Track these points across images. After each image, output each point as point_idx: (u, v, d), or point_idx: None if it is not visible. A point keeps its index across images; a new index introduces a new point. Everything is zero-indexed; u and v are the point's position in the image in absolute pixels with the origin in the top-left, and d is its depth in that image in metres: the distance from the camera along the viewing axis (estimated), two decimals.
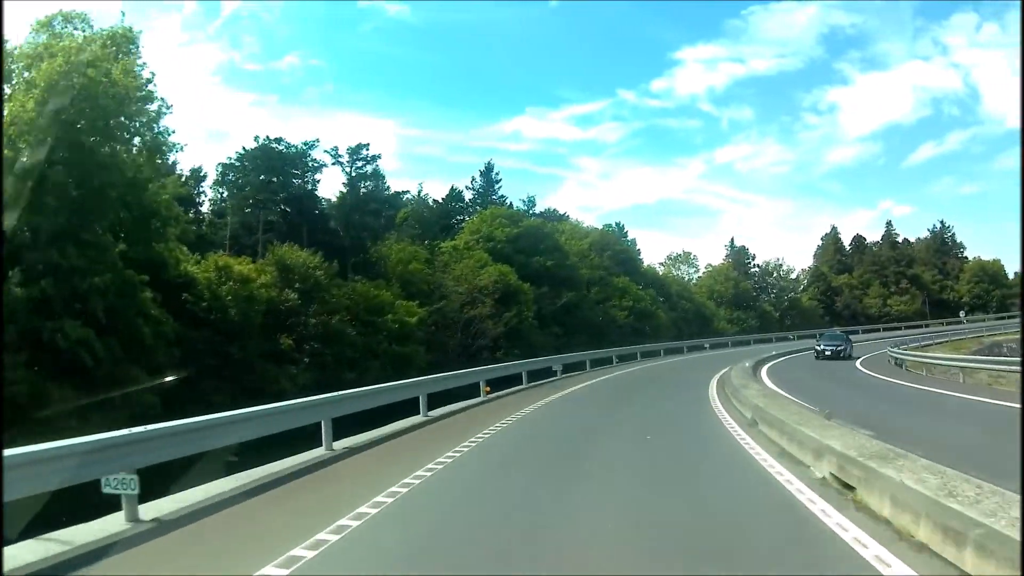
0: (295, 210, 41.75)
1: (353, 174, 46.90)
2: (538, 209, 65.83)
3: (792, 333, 69.10)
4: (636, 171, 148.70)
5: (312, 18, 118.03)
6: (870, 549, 5.35)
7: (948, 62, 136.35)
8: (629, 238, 74.27)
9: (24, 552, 5.75)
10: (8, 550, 5.58)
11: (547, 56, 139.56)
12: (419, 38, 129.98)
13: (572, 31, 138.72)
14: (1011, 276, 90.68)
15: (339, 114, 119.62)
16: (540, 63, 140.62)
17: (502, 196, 62.95)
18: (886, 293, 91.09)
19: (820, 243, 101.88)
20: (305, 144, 44.01)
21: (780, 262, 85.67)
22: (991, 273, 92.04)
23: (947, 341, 46.39)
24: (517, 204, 63.55)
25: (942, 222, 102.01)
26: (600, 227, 69.78)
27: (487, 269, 41.80)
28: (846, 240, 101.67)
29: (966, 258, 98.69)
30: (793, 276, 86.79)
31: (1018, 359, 19.96)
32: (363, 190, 47.53)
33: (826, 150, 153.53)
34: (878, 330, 72.37)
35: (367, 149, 47.40)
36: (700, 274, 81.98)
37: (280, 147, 43.40)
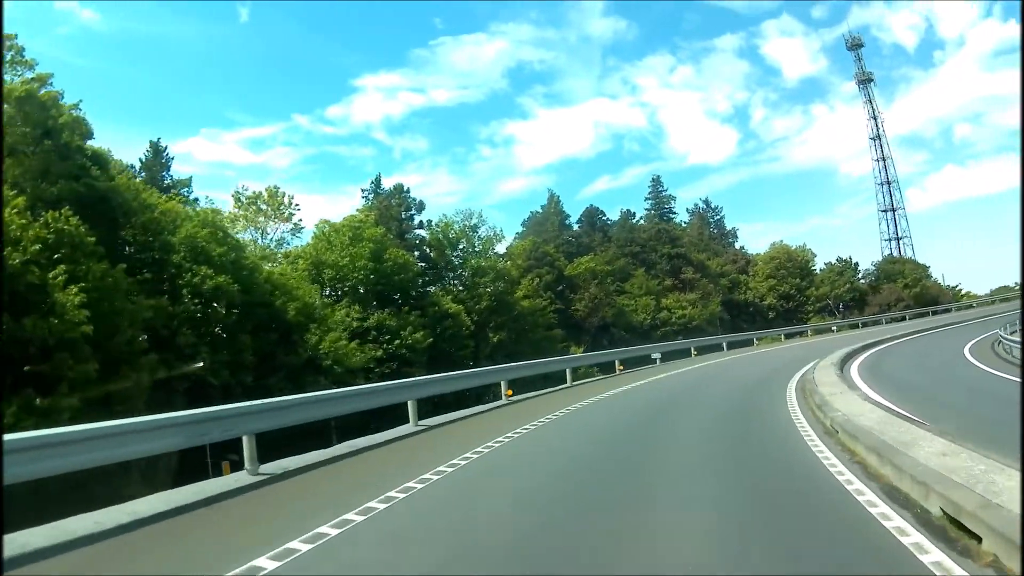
0: None
1: None
2: None
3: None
4: (305, 198, 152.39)
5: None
6: None
7: (636, 101, 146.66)
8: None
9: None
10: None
11: (229, 75, 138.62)
12: (108, 49, 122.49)
13: (259, 50, 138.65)
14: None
15: None
16: (222, 82, 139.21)
17: None
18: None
19: None
20: None
21: None
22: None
23: None
24: None
25: (707, 201, 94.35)
26: None
27: None
28: None
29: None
30: None
31: None
32: None
33: (498, 181, 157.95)
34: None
35: None
36: None
37: None
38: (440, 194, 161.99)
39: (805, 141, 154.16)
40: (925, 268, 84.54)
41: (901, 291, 76.28)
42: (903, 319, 66.10)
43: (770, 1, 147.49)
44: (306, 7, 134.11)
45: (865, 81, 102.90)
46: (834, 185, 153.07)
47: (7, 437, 6.56)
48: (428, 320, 47.71)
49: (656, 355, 37.29)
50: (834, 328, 60.75)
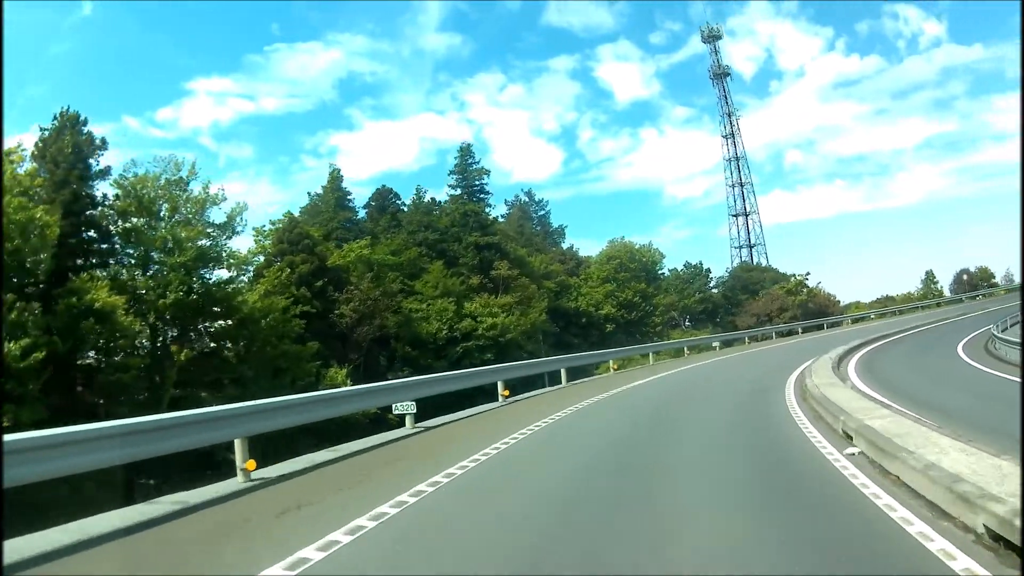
0: None
1: None
2: None
3: None
4: None
5: None
6: None
7: (463, 117, 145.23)
8: None
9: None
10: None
11: (57, 75, 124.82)
12: None
13: (98, 45, 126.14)
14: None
15: None
16: (56, 78, 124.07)
17: None
18: None
19: None
20: None
21: None
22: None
23: None
24: None
25: (529, 193, 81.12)
26: None
27: None
28: None
29: None
30: None
31: None
32: None
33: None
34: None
35: None
36: None
37: None
38: (261, 204, 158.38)
39: (631, 163, 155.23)
40: (803, 275, 72.54)
41: (785, 298, 62.52)
42: (788, 334, 52.05)
43: (614, 25, 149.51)
44: (148, 5, 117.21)
45: (721, 75, 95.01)
46: (659, 207, 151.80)
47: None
48: (56, 321, 28.29)
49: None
50: (716, 345, 45.51)
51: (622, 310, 56.79)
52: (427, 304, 46.45)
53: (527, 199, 73.11)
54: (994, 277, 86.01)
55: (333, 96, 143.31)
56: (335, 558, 5.55)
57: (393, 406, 13.80)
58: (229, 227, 38.69)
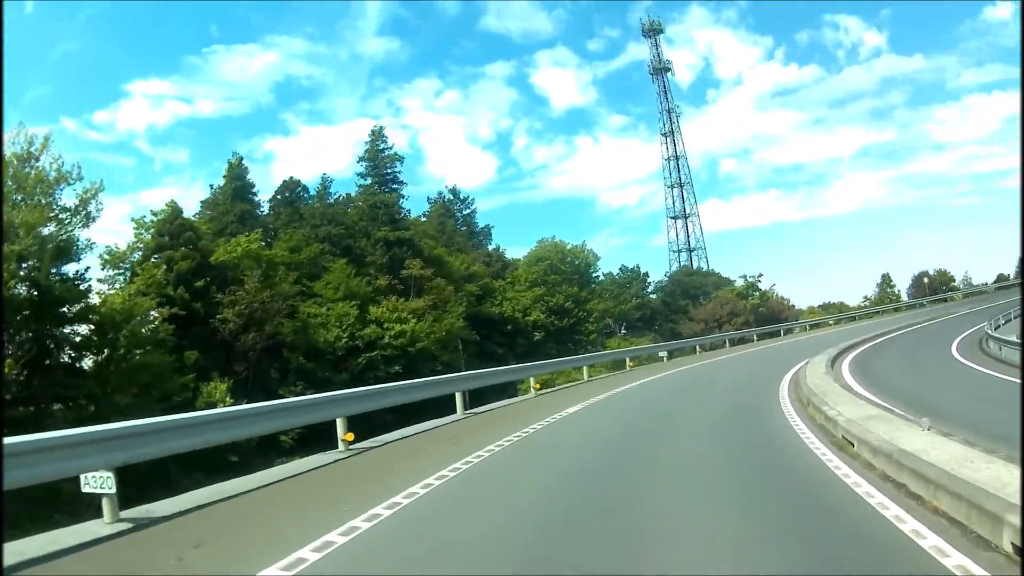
0: None
1: None
2: None
3: None
4: None
5: None
6: None
7: (398, 123, 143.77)
8: None
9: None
10: None
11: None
12: None
13: (34, 47, 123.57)
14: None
15: None
16: None
17: None
18: None
19: None
20: None
21: None
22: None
23: None
24: None
25: (455, 191, 74.25)
26: None
27: None
28: None
29: None
30: None
31: None
32: None
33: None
34: None
35: None
36: None
37: None
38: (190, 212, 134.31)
39: (566, 171, 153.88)
40: (755, 276, 68.29)
41: (736, 302, 58.08)
42: (741, 341, 47.46)
43: (553, 31, 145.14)
44: (89, 4, 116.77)
45: (661, 70, 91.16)
46: (593, 215, 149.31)
47: None
48: None
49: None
50: (663, 355, 39.50)
51: (552, 316, 51.56)
52: (327, 308, 40.30)
53: (452, 196, 67.50)
54: (954, 280, 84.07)
55: (270, 100, 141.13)
56: None
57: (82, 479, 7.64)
58: (82, 211, 32.16)
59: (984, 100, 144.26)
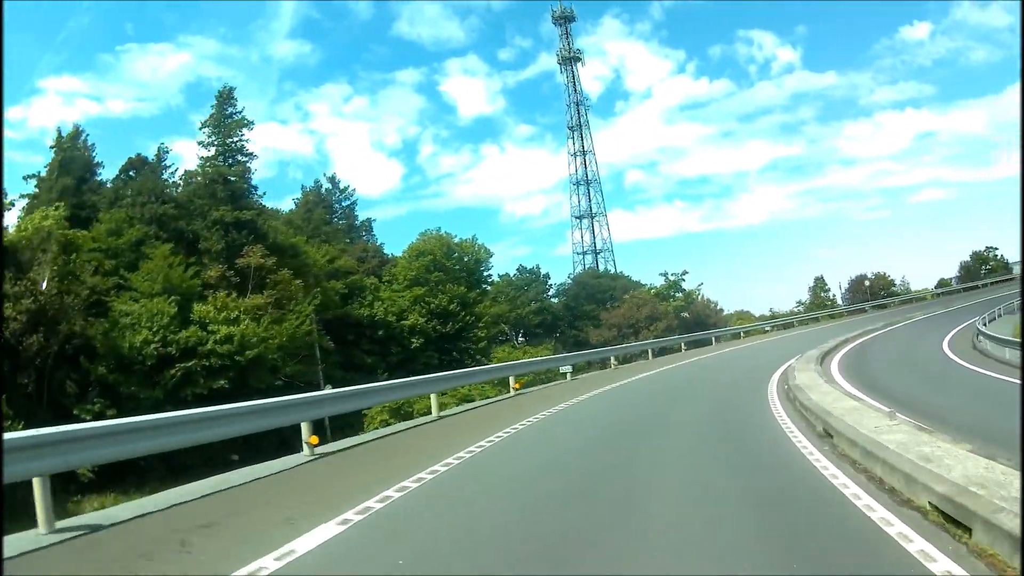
0: None
1: None
2: None
3: None
4: None
5: None
6: None
7: (306, 128, 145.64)
8: None
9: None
10: None
11: None
12: None
13: None
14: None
15: None
16: None
17: None
18: None
19: None
20: None
21: None
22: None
23: None
24: None
25: (333, 180, 65.11)
26: None
27: None
28: None
29: None
30: None
31: None
32: None
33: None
34: None
35: None
36: None
37: None
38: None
39: (471, 179, 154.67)
40: (677, 274, 62.49)
41: (656, 304, 51.75)
42: (663, 352, 40.87)
43: (465, 39, 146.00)
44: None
45: (571, 59, 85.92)
46: (497, 224, 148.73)
47: None
48: None
49: None
50: (567, 371, 28.93)
51: (434, 320, 44.14)
52: (140, 305, 31.87)
53: (331, 186, 58.89)
54: (894, 284, 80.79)
55: (179, 101, 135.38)
56: None
57: None
58: None
59: (896, 117, 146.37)
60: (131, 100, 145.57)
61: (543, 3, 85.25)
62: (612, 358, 34.63)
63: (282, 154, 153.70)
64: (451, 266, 46.84)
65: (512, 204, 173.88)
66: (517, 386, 23.15)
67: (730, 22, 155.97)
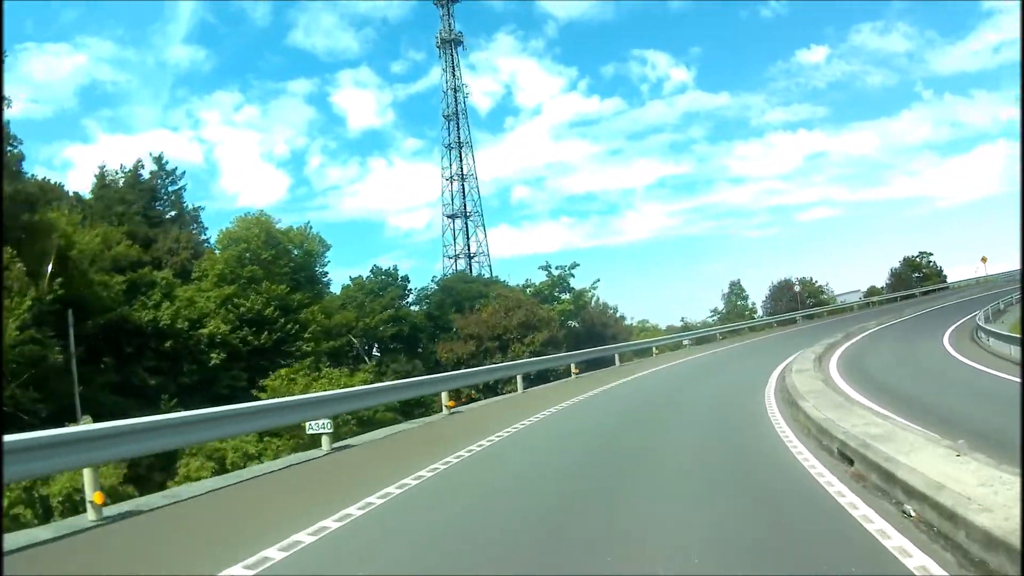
0: None
1: None
2: None
3: None
4: None
5: None
6: None
7: (196, 136, 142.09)
8: None
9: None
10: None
11: None
12: None
13: None
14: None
15: None
16: None
17: None
18: None
19: None
20: None
21: None
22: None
23: None
24: None
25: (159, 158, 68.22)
26: None
27: None
28: None
29: None
30: None
31: None
32: None
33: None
34: None
35: None
36: None
37: None
38: None
39: (357, 192, 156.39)
40: (566, 268, 54.40)
41: (534, 308, 42.77)
42: (542, 377, 32.17)
43: (359, 51, 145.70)
44: None
45: (450, 42, 79.94)
46: (381, 238, 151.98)
47: None
48: None
49: None
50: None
51: (245, 328, 34.50)
52: None
53: (156, 167, 47.86)
54: (823, 292, 75.40)
55: (73, 104, 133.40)
56: None
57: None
58: None
59: (788, 138, 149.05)
60: (25, 101, 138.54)
61: (438, 11, 78.98)
62: (444, 394, 19.95)
63: (174, 163, 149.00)
64: (271, 259, 37.17)
65: (396, 218, 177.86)
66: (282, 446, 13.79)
67: (625, 41, 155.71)
